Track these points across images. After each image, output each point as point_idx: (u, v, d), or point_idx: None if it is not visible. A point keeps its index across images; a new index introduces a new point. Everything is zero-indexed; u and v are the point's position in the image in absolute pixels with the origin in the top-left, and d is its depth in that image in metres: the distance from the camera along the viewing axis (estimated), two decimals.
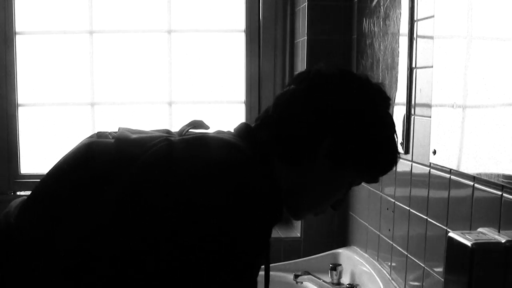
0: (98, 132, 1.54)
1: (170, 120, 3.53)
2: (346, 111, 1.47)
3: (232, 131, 1.57)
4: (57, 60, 3.46)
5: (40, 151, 3.51)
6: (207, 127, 1.59)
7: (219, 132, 1.55)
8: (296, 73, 1.55)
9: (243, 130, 1.54)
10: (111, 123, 3.48)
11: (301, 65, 3.21)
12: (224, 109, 3.60)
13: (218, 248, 1.30)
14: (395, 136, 1.56)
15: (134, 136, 1.48)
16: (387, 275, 2.50)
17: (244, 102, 3.57)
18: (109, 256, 1.32)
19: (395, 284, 2.41)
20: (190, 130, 1.56)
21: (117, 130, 1.54)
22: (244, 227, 1.32)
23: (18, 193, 3.40)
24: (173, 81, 3.52)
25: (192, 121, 1.60)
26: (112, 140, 1.47)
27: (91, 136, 1.53)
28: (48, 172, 1.49)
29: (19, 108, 3.45)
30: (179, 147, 1.42)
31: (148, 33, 3.50)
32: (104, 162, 1.42)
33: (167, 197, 1.32)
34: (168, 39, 3.49)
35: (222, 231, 1.30)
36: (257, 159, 1.42)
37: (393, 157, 1.55)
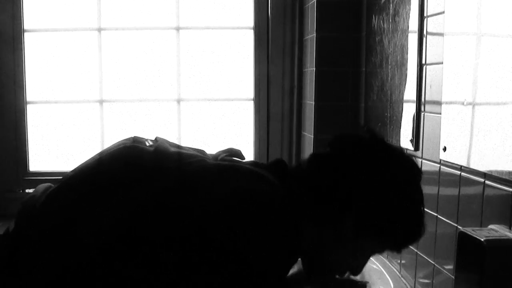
0: (134, 137, 1.56)
1: (178, 117, 3.52)
2: (377, 181, 1.48)
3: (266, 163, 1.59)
4: (65, 58, 3.47)
5: (48, 149, 3.51)
6: (242, 157, 1.61)
7: (254, 163, 1.56)
8: (334, 136, 1.58)
9: (278, 168, 1.54)
10: (119, 120, 3.48)
11: (310, 62, 3.20)
12: (232, 106, 3.59)
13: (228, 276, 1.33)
14: (423, 211, 1.56)
15: (172, 149, 1.52)
16: (397, 272, 2.49)
17: (253, 100, 3.56)
18: (124, 250, 1.33)
19: (405, 282, 2.39)
20: (226, 157, 1.58)
21: (153, 139, 1.56)
22: (260, 262, 1.35)
23: (27, 190, 3.40)
24: (181, 78, 3.52)
25: (229, 149, 1.63)
26: (151, 149, 1.49)
27: (127, 139, 1.55)
28: (81, 165, 1.52)
29: (28, 105, 3.45)
30: (213, 170, 1.46)
31: (156, 30, 3.50)
32: (140, 169, 1.45)
33: (193, 215, 1.35)
34: (177, 36, 3.49)
35: (236, 259, 1.33)
36: (287, 198, 1.43)
37: (418, 233, 1.56)
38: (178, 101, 3.53)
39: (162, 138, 1.59)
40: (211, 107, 3.58)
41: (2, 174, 3.42)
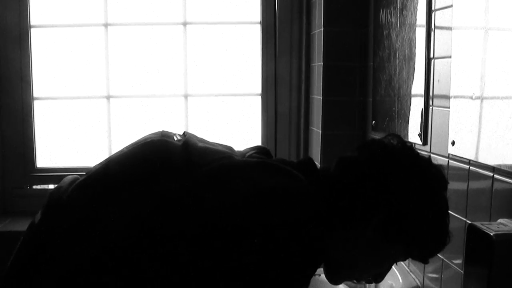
0: (162, 131, 1.57)
1: (185, 113, 3.52)
2: (404, 189, 1.48)
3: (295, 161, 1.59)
4: (72, 54, 3.47)
5: (56, 145, 3.52)
6: (270, 155, 1.61)
7: (282, 161, 1.55)
8: (363, 141, 1.59)
9: (308, 168, 1.54)
10: (127, 116, 3.48)
11: (317, 57, 3.19)
12: (240, 102, 3.59)
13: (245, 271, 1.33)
14: (448, 221, 1.56)
15: (200, 144, 1.52)
16: (405, 267, 2.48)
17: (260, 95, 3.55)
18: (147, 244, 1.33)
19: (413, 276, 2.39)
20: (254, 154, 1.57)
21: (181, 133, 1.56)
22: (278, 256, 1.33)
23: (34, 187, 3.40)
24: (188, 73, 3.51)
25: (257, 146, 1.63)
26: (180, 144, 1.49)
27: (155, 133, 1.55)
28: (109, 157, 1.53)
29: (35, 101, 3.45)
30: (241, 167, 1.46)
31: (163, 26, 3.49)
32: (169, 161, 1.45)
33: (220, 210, 1.35)
34: (184, 31, 3.48)
35: (256, 254, 1.32)
36: (314, 196, 1.43)
37: (444, 242, 1.56)
38: (186, 96, 3.53)
39: (190, 133, 1.59)
40: (219, 103, 3.57)
41: (10, 171, 3.42)
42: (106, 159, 1.54)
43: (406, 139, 2.29)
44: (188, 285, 1.34)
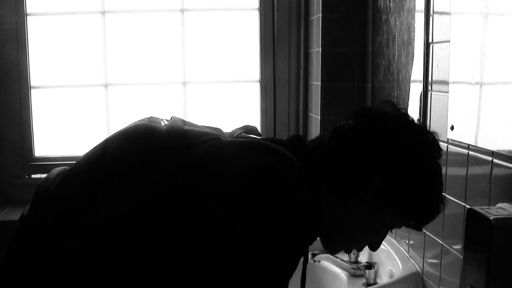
0: (150, 117, 1.55)
1: (184, 100, 3.51)
2: (400, 155, 1.47)
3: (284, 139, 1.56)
4: (69, 41, 3.45)
5: (54, 134, 3.51)
6: (259, 134, 1.59)
7: (271, 139, 1.54)
8: (358, 109, 1.56)
9: (296, 144, 1.52)
10: (125, 104, 3.47)
11: (316, 43, 3.18)
12: (239, 88, 3.58)
13: (246, 251, 1.30)
14: (441, 188, 1.56)
15: (186, 127, 1.50)
16: (405, 253, 2.48)
17: (259, 82, 3.54)
18: (136, 234, 1.32)
19: (413, 262, 2.38)
20: (243, 133, 1.55)
21: (169, 118, 1.54)
22: (277, 236, 1.31)
23: (33, 176, 3.40)
24: (186, 60, 3.50)
25: (245, 126, 1.61)
26: (165, 127, 1.48)
27: (142, 120, 1.53)
28: (95, 147, 1.51)
29: (32, 90, 3.44)
30: (229, 148, 1.44)
31: (160, 13, 3.48)
32: (153, 147, 1.44)
33: (209, 192, 1.33)
34: (181, 18, 3.47)
35: (255, 236, 1.30)
36: (304, 173, 1.41)
37: (437, 208, 1.55)
38: (184, 83, 3.51)
39: (177, 117, 1.57)
40: (217, 90, 3.56)
41: (8, 160, 3.42)
42: (91, 149, 1.52)
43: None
44: (186, 276, 1.32)
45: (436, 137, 1.55)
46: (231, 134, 1.55)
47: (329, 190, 1.48)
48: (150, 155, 1.41)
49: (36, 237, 1.40)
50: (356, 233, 1.57)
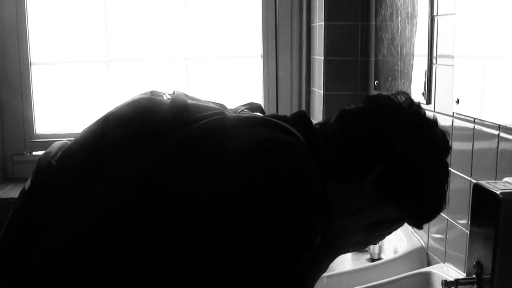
0: (152, 91, 1.52)
1: (186, 76, 3.49)
2: (406, 144, 1.42)
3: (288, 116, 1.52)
4: (69, 16, 3.43)
5: (55, 111, 3.50)
6: (263, 112, 1.56)
7: (276, 116, 1.51)
8: (370, 95, 1.52)
9: (301, 122, 1.49)
10: (126, 80, 3.46)
11: (318, 17, 3.16)
12: (241, 64, 3.56)
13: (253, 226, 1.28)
14: (446, 188, 1.49)
15: (189, 101, 1.46)
16: (410, 228, 2.47)
17: (261, 56, 3.52)
18: (138, 207, 1.30)
19: (418, 237, 2.38)
20: (246, 110, 1.53)
21: (171, 92, 1.52)
22: (287, 207, 1.28)
23: (34, 153, 3.40)
24: (188, 36, 3.48)
25: (249, 103, 1.57)
26: (168, 101, 1.45)
27: (144, 93, 1.51)
28: (96, 121, 1.48)
29: (32, 66, 3.42)
30: (234, 123, 1.41)
31: None
32: (156, 120, 1.41)
33: (214, 166, 1.30)
34: None
35: (265, 208, 1.27)
36: (309, 151, 1.39)
37: (439, 208, 1.49)
38: (185, 59, 3.49)
39: (180, 91, 1.54)
40: (220, 65, 3.54)
41: (9, 137, 3.41)
42: (92, 123, 1.50)
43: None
44: (191, 248, 1.31)
45: (446, 133, 1.51)
46: (234, 111, 1.53)
47: (332, 172, 1.46)
48: (153, 129, 1.39)
49: (37, 213, 1.38)
50: (356, 221, 1.54)
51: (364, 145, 1.43)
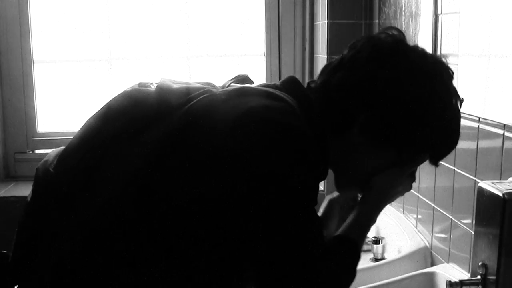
0: (139, 83, 1.51)
1: (189, 74, 3.48)
2: (392, 83, 1.38)
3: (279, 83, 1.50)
4: (72, 14, 3.42)
5: (58, 109, 3.49)
6: (251, 82, 1.54)
7: (264, 85, 1.49)
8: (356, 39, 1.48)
9: (291, 86, 1.47)
10: (129, 78, 3.45)
11: (321, 15, 3.15)
12: (244, 62, 3.55)
13: (258, 193, 1.27)
14: (459, 108, 1.44)
15: (175, 86, 1.45)
16: (413, 227, 2.46)
17: (264, 55, 3.51)
18: (141, 201, 1.30)
19: (421, 237, 2.37)
20: (233, 84, 1.51)
21: (158, 81, 1.50)
22: (285, 172, 1.27)
23: (36, 151, 3.39)
24: (191, 34, 3.47)
25: (236, 75, 1.56)
26: (154, 89, 1.45)
27: (131, 87, 1.50)
28: (87, 120, 1.48)
29: (35, 65, 3.41)
30: (220, 98, 1.39)
31: None
32: (144, 110, 1.40)
33: (208, 145, 1.29)
34: None
35: (262, 176, 1.26)
36: (302, 114, 1.37)
37: (449, 140, 1.46)
38: (188, 57, 3.48)
39: (166, 77, 1.53)
40: (222, 64, 3.53)
41: (12, 136, 3.40)
42: (82, 125, 1.49)
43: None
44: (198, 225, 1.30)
45: (443, 58, 1.46)
46: (223, 86, 1.51)
47: (327, 129, 1.43)
48: (142, 121, 1.37)
49: (40, 224, 1.39)
50: (355, 171, 1.51)
51: (343, 93, 1.41)
